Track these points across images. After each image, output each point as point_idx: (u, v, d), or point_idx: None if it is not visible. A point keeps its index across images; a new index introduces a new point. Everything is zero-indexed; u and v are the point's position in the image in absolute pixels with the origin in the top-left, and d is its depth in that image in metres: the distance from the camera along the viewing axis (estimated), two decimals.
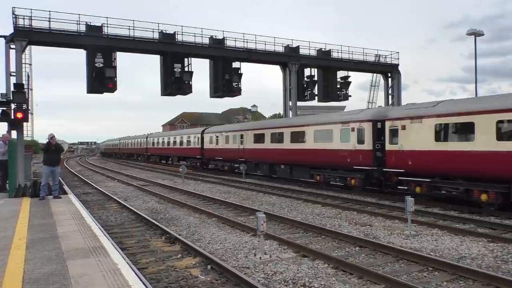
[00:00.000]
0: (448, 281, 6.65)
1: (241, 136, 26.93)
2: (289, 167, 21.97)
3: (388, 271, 7.15)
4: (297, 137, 21.14)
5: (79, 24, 21.66)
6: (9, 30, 20.78)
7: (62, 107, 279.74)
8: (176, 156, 41.94)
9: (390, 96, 30.90)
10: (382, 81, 31.76)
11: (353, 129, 17.34)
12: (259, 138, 24.82)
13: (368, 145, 16.70)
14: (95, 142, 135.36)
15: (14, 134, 19.32)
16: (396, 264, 7.65)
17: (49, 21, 21.03)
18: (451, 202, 13.77)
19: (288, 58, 27.15)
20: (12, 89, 18.61)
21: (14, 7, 20.40)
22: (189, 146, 37.43)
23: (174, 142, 42.00)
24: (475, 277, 6.64)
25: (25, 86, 19.39)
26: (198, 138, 34.87)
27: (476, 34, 25.57)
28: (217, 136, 31.08)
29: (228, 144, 28.86)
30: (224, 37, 25.17)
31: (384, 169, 15.89)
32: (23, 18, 20.52)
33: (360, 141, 16.96)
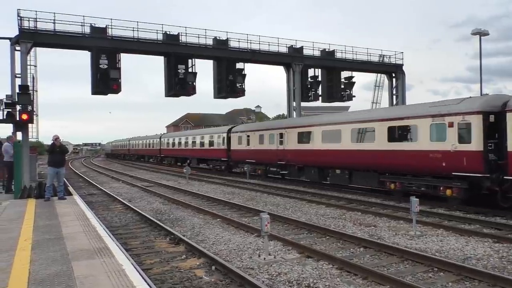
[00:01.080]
0: (454, 281, 6.62)
1: (280, 135, 22.96)
2: (347, 172, 18.07)
3: (393, 272, 7.12)
4: (362, 135, 17.13)
5: (84, 25, 21.78)
6: (14, 32, 20.87)
7: (67, 108, 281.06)
8: (195, 159, 37.44)
9: (394, 97, 30.81)
10: (386, 81, 31.68)
11: (451, 124, 13.46)
12: (305, 137, 20.77)
13: (476, 144, 12.75)
14: (99, 143, 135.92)
15: (19, 135, 19.45)
16: (401, 264, 7.62)
17: (54, 22, 21.15)
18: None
19: (291, 59, 27.14)
20: (17, 90, 18.74)
21: (19, 9, 20.55)
22: (212, 147, 33.19)
23: (194, 143, 37.46)
24: (480, 277, 6.61)
25: (30, 88, 19.52)
26: (224, 138, 30.81)
27: (481, 33, 25.43)
28: (248, 136, 26.84)
29: (262, 145, 24.88)
30: (227, 38, 25.20)
31: (504, 177, 12.20)
32: (28, 20, 20.64)
33: (464, 139, 13.12)
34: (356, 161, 17.21)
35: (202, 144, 35.40)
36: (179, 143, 41.92)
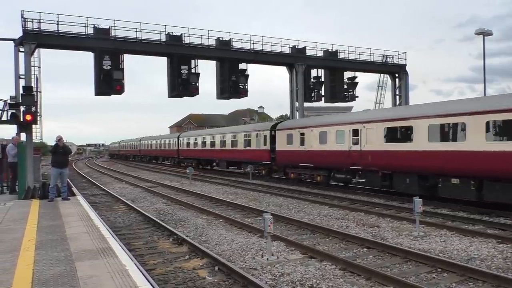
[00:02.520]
0: (457, 282, 6.60)
1: (355, 132, 17.73)
2: (472, 182, 12.96)
3: (396, 273, 7.11)
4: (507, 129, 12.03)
5: (87, 26, 21.85)
6: (18, 33, 20.99)
7: (70, 109, 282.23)
8: (224, 161, 31.61)
9: (397, 97, 30.75)
10: (389, 81, 31.63)
11: None
12: (399, 134, 15.92)
13: None
14: (103, 144, 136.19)
15: (23, 136, 19.52)
16: (404, 265, 7.61)
17: (58, 24, 21.25)
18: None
19: (294, 59, 27.14)
20: (21, 91, 18.82)
21: (23, 11, 20.65)
22: (248, 148, 27.18)
23: (222, 143, 31.65)
24: (484, 278, 6.58)
25: (34, 89, 19.59)
26: (266, 136, 25.06)
27: (484, 33, 25.38)
28: (302, 134, 21.50)
29: (325, 145, 19.57)
30: (230, 39, 25.23)
31: None
32: (32, 21, 20.74)
33: None
34: (495, 167, 12.08)
35: (234, 144, 29.57)
36: (203, 143, 35.65)
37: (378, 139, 16.68)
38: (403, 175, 15.57)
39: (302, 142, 21.51)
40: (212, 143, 33.88)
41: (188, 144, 39.97)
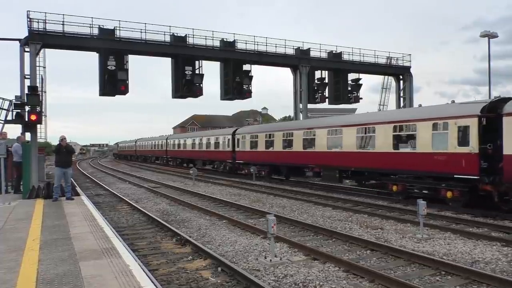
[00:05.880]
0: (461, 285, 6.57)
1: None
2: None
3: (400, 275, 7.08)
4: None
5: (92, 27, 21.98)
6: (24, 33, 21.14)
7: (75, 109, 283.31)
8: (335, 170, 19.01)
9: (401, 99, 30.70)
10: (393, 83, 31.59)
11: None
12: None
13: None
14: (106, 144, 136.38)
15: (28, 136, 19.63)
16: (408, 267, 7.58)
17: (63, 24, 21.40)
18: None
19: (298, 61, 27.16)
20: (26, 91, 18.93)
21: (29, 11, 20.79)
22: (405, 150, 15.72)
23: (334, 141, 19.29)
24: (488, 281, 6.55)
25: (39, 89, 19.70)
26: (466, 129, 13.07)
27: (489, 36, 25.32)
28: None
29: None
30: (234, 40, 25.29)
31: None
32: (38, 22, 20.91)
33: None
34: None
35: (365, 142, 17.43)
36: (287, 140, 23.12)
37: None
38: None
39: None
40: (308, 142, 21.32)
41: (254, 143, 27.00)
